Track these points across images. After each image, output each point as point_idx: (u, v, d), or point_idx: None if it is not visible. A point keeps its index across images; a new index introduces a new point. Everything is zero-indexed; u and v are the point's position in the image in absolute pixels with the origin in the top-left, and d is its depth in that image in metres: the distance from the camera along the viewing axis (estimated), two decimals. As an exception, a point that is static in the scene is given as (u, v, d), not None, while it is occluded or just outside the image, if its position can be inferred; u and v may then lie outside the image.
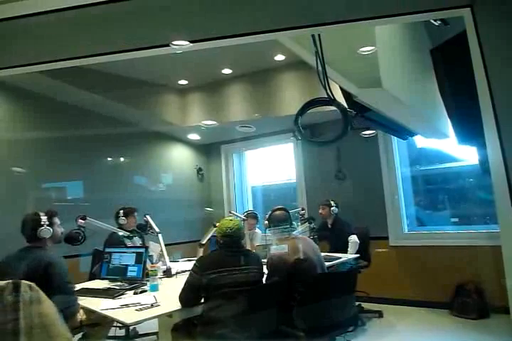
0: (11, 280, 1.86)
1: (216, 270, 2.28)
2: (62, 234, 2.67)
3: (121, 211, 3.70)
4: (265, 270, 2.61)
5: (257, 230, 4.56)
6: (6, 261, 2.40)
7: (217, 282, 2.25)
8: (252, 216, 4.48)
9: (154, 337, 3.48)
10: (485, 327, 3.72)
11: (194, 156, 6.41)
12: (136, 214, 3.79)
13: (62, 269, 2.36)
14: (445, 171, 4.90)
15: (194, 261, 2.47)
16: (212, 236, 3.53)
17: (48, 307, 1.92)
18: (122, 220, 3.66)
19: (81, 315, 2.43)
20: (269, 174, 6.32)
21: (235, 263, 2.35)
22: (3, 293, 1.83)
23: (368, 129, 3.91)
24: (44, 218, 2.47)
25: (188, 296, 2.37)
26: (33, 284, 1.89)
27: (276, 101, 4.95)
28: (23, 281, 1.87)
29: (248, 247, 4.12)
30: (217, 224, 2.54)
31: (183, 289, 2.39)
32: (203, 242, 3.68)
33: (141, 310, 2.31)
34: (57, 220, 2.63)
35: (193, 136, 6.01)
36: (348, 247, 4.11)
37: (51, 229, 2.48)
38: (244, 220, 4.25)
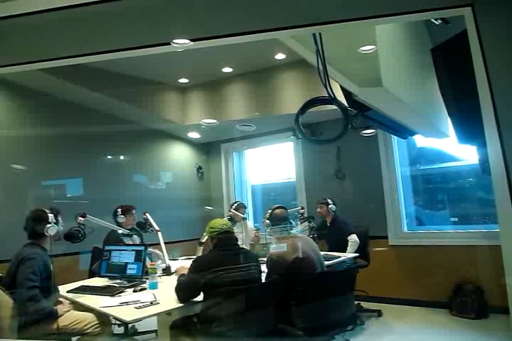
0: None
1: (214, 269, 2.28)
2: (62, 232, 2.69)
3: (119, 209, 3.68)
4: (264, 268, 2.61)
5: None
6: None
7: (216, 281, 2.25)
8: (242, 206, 4.48)
9: (153, 334, 3.50)
10: (484, 327, 3.72)
11: (194, 155, 6.41)
12: (134, 212, 3.76)
13: (27, 266, 2.37)
14: (445, 170, 4.90)
15: (191, 261, 2.47)
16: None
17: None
18: (121, 218, 3.64)
19: (57, 323, 2.40)
20: (269, 173, 6.31)
21: (232, 262, 2.36)
22: None
23: (368, 128, 3.90)
24: (51, 215, 2.49)
25: (184, 293, 2.38)
26: None
27: (277, 99, 4.94)
28: None
29: (245, 238, 4.13)
30: (208, 227, 2.53)
31: (181, 287, 2.40)
32: (203, 240, 3.67)
33: (140, 307, 2.31)
34: (59, 218, 2.64)
35: (193, 135, 6.01)
36: (346, 246, 4.09)
37: (57, 227, 2.50)
38: (244, 219, 4.26)
